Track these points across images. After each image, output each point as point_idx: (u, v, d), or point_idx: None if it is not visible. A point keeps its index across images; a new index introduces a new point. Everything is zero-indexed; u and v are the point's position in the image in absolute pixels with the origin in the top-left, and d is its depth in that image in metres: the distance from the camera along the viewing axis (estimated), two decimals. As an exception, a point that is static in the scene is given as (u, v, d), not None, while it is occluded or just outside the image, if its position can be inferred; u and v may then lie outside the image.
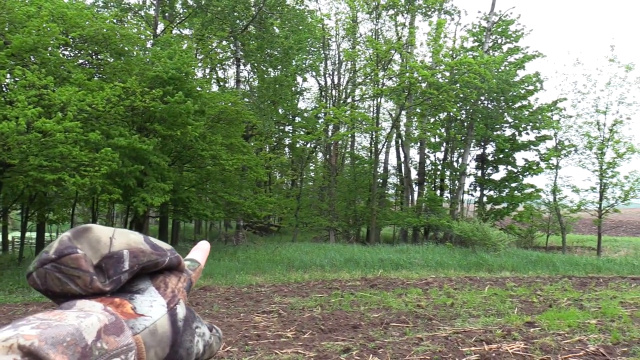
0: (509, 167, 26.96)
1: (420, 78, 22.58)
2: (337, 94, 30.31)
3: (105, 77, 15.77)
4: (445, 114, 26.22)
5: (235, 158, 17.79)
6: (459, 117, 26.26)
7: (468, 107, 25.39)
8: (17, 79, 12.35)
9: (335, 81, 31.00)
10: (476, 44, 27.05)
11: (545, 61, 70.43)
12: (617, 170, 22.50)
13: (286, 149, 36.03)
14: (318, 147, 32.39)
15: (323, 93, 33.21)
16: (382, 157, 29.38)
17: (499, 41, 26.89)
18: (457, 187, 25.80)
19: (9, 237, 23.12)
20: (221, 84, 31.09)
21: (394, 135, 27.53)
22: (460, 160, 26.58)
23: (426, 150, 28.34)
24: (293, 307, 9.28)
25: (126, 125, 15.19)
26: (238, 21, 22.25)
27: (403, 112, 26.16)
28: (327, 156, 29.61)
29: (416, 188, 28.17)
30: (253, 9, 22.34)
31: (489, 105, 25.89)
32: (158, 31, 20.30)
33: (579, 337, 7.09)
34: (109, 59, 16.43)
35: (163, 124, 15.42)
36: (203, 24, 22.24)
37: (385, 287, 11.85)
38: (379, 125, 27.98)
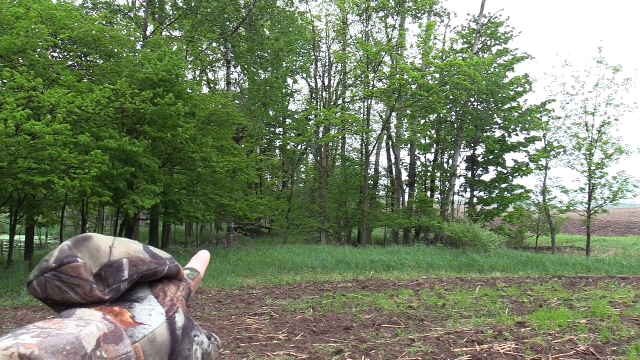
0: (499, 168, 27.14)
1: (410, 80, 22.67)
2: (327, 96, 30.31)
3: (95, 79, 15.67)
4: (436, 115, 26.33)
5: (226, 160, 17.75)
6: (449, 119, 26.39)
7: (458, 109, 25.53)
8: (5, 81, 12.24)
9: (326, 83, 31.02)
10: (466, 46, 27.22)
11: (534, 63, 70.96)
12: (606, 171, 22.76)
13: (277, 151, 35.99)
14: (309, 149, 32.38)
15: (314, 95, 33.21)
16: (373, 158, 29.45)
17: (489, 43, 27.06)
18: (447, 189, 25.91)
19: (-2, 241, 22.91)
20: (212, 86, 31.04)
21: (385, 137, 27.58)
22: (450, 161, 26.71)
23: (417, 152, 28.44)
24: (285, 309, 9.27)
25: (116, 128, 15.12)
26: (228, 23, 22.22)
27: (393, 114, 26.22)
28: (318, 158, 29.62)
29: (407, 189, 28.26)
30: (243, 10, 22.31)
31: (479, 107, 26.04)
32: (148, 33, 20.20)
33: (569, 336, 7.14)
34: (98, 61, 16.34)
35: (153, 126, 15.35)
36: (193, 26, 22.18)
37: (376, 289, 11.87)
38: (369, 127, 28.04)
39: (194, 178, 18.61)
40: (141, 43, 18.72)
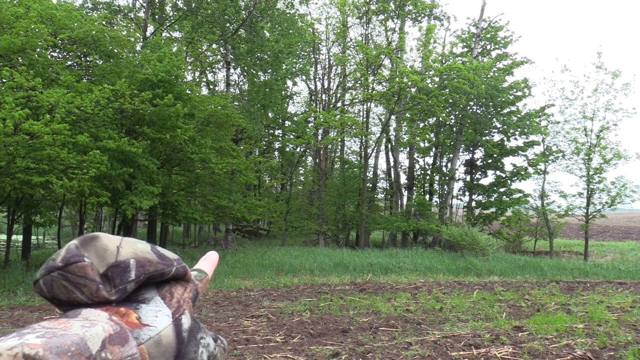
0: (498, 172, 27.19)
1: (409, 83, 22.72)
2: (327, 98, 30.33)
3: (94, 79, 15.65)
4: (435, 119, 26.39)
5: (225, 162, 17.73)
6: (448, 122, 26.44)
7: (457, 112, 25.57)
8: (4, 80, 12.23)
9: (325, 85, 31.03)
10: (465, 49, 27.28)
11: (533, 67, 70.80)
12: (604, 176, 22.80)
13: (276, 153, 36.00)
14: (308, 151, 32.41)
15: (313, 97, 33.23)
16: (371, 161, 29.46)
17: (488, 47, 27.13)
18: (446, 192, 25.94)
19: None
20: (211, 87, 31.03)
21: (384, 139, 27.62)
22: (449, 165, 26.75)
23: (415, 155, 28.47)
24: (282, 312, 9.26)
25: (115, 128, 15.09)
26: (228, 24, 22.23)
27: (393, 117, 26.26)
28: (317, 160, 29.63)
29: (405, 192, 28.30)
30: (243, 12, 22.33)
31: (478, 111, 26.09)
32: (148, 34, 20.19)
33: (566, 341, 7.15)
34: (98, 61, 16.32)
35: (152, 127, 15.34)
36: (193, 27, 22.19)
37: (374, 292, 11.87)
38: (368, 129, 28.05)
39: (192, 179, 18.59)
40: (141, 44, 18.71)
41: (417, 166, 28.79)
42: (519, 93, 25.61)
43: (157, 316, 0.53)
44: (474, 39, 26.18)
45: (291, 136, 31.54)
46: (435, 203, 27.29)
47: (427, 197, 27.84)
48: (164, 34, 22.72)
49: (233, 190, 20.21)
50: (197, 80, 28.82)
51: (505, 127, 26.25)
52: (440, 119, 25.58)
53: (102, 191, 13.47)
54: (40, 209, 17.99)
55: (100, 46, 15.46)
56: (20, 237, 21.12)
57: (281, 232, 27.72)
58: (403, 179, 28.86)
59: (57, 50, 15.79)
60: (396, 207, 27.75)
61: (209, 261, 0.71)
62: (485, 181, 27.70)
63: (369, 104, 27.61)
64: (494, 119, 26.33)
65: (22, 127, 10.97)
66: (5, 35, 12.35)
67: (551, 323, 8.21)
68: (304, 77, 31.83)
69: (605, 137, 22.84)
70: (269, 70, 24.87)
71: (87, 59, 16.25)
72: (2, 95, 11.28)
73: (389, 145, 28.81)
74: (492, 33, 26.41)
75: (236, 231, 28.21)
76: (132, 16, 22.22)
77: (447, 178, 26.17)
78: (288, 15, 24.85)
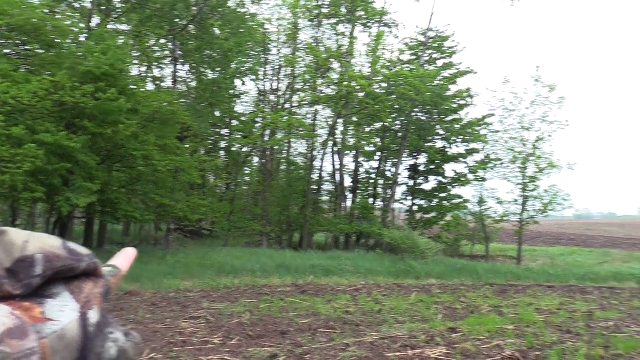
0: (439, 178, 27.88)
1: (357, 87, 22.99)
2: (275, 99, 30.24)
3: (33, 69, 15.01)
4: (381, 124, 26.79)
5: (169, 159, 17.36)
6: (393, 128, 26.92)
7: (403, 118, 26.08)
8: None
9: (274, 86, 30.95)
10: (413, 57, 27.83)
11: (476, 77, 73.01)
12: (538, 184, 23.79)
13: (222, 152, 35.52)
14: (254, 151, 32.16)
15: (261, 97, 33.03)
16: (317, 163, 29.58)
17: (434, 56, 27.81)
18: (389, 196, 26.39)
19: None
20: (157, 83, 30.29)
21: (330, 142, 27.81)
22: (393, 169, 27.22)
23: (361, 159, 28.82)
24: (221, 313, 9.19)
25: (54, 121, 14.52)
26: (178, 20, 21.82)
27: (340, 121, 26.50)
28: (263, 161, 29.50)
29: (350, 195, 28.58)
30: (194, 8, 21.97)
31: (423, 117, 26.68)
32: (93, 25, 19.53)
33: (497, 342, 7.46)
34: (38, 51, 15.66)
35: (93, 122, 14.85)
36: (141, 21, 21.60)
37: (315, 293, 11.96)
38: (315, 132, 28.19)
39: (133, 176, 18.11)
40: (85, 35, 18.08)
41: (361, 170, 29.16)
42: (462, 102, 26.36)
43: (62, 311, 0.53)
44: (421, 48, 26.78)
45: (238, 136, 31.23)
46: (378, 207, 27.69)
47: (371, 200, 28.21)
48: (110, 26, 22.01)
49: (176, 189, 19.82)
50: (143, 75, 28.07)
51: (448, 134, 26.95)
52: (386, 124, 26.01)
53: (37, 186, 12.92)
54: (-32, 203, 17.10)
55: (41, 35, 14.85)
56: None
57: (224, 233, 27.38)
58: (348, 182, 29.16)
59: (-7, 38, 15.06)
60: (340, 210, 27.99)
61: (124, 257, 0.71)
62: (427, 186, 28.34)
63: (316, 106, 27.75)
64: (438, 126, 26.98)
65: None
66: None
67: (484, 324, 8.54)
68: (253, 77, 31.58)
69: (541, 147, 23.83)
70: (217, 69, 24.56)
71: (27, 47, 15.57)
72: None
73: (335, 149, 29.04)
74: (439, 42, 27.10)
75: (178, 231, 27.68)
76: (78, 6, 21.42)
77: (390, 182, 26.63)
78: (239, 13, 24.65)
